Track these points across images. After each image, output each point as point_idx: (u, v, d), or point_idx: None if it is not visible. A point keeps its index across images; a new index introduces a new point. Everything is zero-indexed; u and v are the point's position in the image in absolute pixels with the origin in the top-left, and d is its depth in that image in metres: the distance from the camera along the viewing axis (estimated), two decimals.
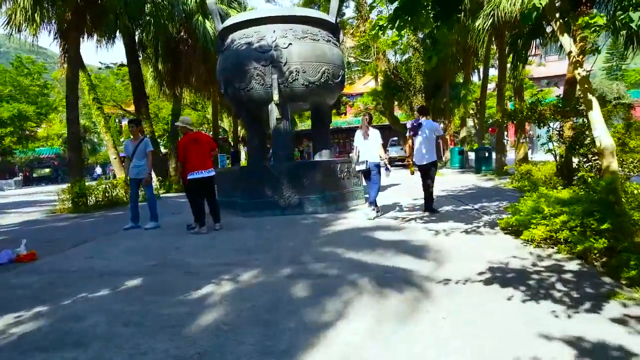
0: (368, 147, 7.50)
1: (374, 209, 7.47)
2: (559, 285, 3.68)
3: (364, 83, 50.37)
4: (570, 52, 5.01)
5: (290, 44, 8.53)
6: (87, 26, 12.76)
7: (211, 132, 35.11)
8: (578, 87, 6.08)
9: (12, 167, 46.38)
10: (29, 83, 35.73)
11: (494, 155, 16.67)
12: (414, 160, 7.71)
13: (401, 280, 3.98)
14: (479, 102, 31.79)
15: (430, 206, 7.69)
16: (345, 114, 53.98)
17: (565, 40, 5.05)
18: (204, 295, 3.90)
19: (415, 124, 7.66)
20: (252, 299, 3.72)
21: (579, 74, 4.74)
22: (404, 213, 7.92)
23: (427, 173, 7.63)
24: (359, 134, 7.63)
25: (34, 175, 49.38)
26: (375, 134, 7.54)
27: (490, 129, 35.95)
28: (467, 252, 4.86)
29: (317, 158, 9.86)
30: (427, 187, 7.68)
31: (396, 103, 26.01)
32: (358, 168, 7.59)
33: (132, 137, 8.03)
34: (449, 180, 14.18)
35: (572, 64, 4.98)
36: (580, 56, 5.17)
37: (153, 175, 12.44)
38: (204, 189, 7.07)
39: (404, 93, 20.02)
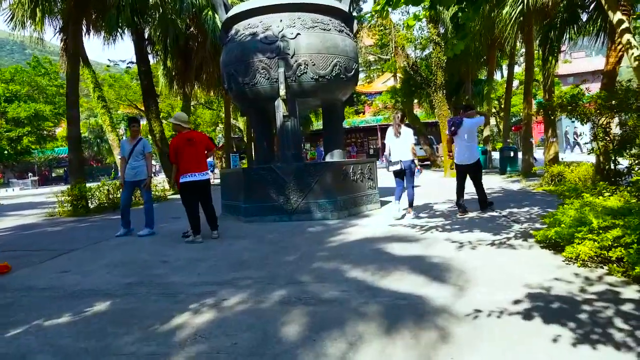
0: (400, 146, 7.21)
1: (405, 209, 7.40)
2: (618, 321, 2.89)
3: (382, 81, 49.47)
4: (619, 36, 4.19)
5: (299, 34, 7.82)
6: (91, 20, 12.29)
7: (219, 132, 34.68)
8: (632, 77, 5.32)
9: (32, 166, 46.82)
10: (47, 83, 35.78)
11: (519, 155, 15.69)
12: (455, 160, 7.51)
13: (417, 312, 3.22)
14: (501, 100, 30.69)
15: (485, 204, 7.46)
16: (364, 113, 53.18)
17: (617, 18, 4.25)
18: (177, 326, 3.21)
19: (455, 122, 7.31)
20: (235, 334, 3.02)
21: (635, 57, 3.92)
22: (423, 220, 7.14)
23: (468, 174, 7.40)
24: (390, 132, 7.34)
25: (53, 175, 49.78)
26: (407, 132, 7.27)
27: (513, 127, 34.70)
28: (497, 272, 4.07)
29: (328, 159, 9.13)
30: (462, 190, 7.44)
31: (415, 101, 25.10)
32: (391, 168, 7.30)
33: (130, 136, 7.45)
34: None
35: (625, 46, 4.16)
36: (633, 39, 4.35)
37: (161, 177, 11.87)
38: (198, 194, 6.40)
39: (424, 90, 19.10)
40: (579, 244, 4.16)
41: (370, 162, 8.89)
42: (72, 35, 11.08)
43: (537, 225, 5.96)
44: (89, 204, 11.12)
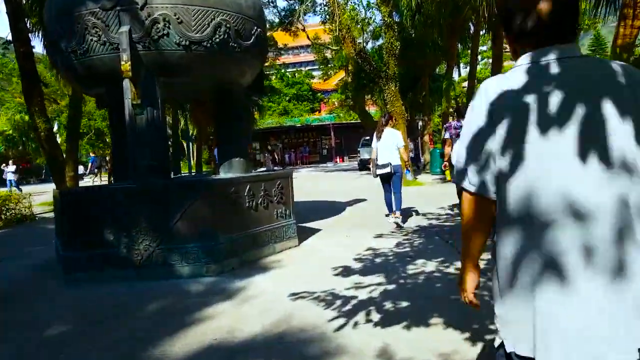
0: (384, 149, 6.93)
1: (398, 218, 6.85)
2: None
3: (339, 78, 47.05)
4: None
5: None
6: None
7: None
8: None
9: None
10: None
11: None
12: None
13: None
14: (459, 99, 28.56)
15: None
16: (320, 111, 50.61)
17: None
18: None
19: (458, 127, 6.78)
20: None
21: None
22: (348, 281, 4.27)
23: None
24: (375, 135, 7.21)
25: None
26: (392, 134, 7.01)
27: None
28: None
29: (222, 173, 6.16)
30: None
31: (368, 97, 22.46)
32: (379, 172, 6.97)
33: None
34: (429, 194, 10.60)
35: None
36: None
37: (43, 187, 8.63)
38: None
39: (376, 83, 16.39)
40: None
41: (283, 176, 5.94)
42: None
43: None
44: None
